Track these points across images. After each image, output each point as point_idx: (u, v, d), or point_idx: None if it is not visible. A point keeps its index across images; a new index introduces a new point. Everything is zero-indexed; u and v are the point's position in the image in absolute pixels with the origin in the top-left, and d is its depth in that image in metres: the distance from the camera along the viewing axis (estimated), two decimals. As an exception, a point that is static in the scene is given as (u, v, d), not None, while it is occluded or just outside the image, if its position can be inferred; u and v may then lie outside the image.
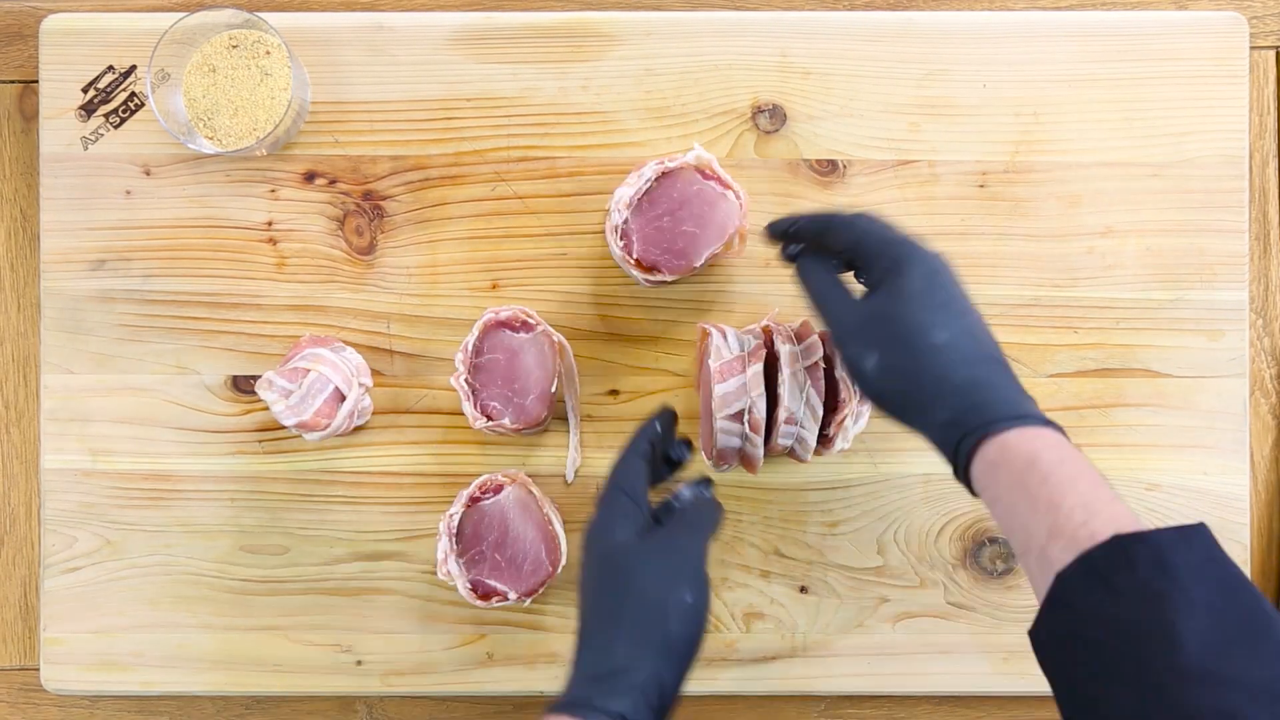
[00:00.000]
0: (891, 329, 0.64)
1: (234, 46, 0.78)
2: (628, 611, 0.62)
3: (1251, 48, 0.83)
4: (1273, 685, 0.50)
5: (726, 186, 0.76)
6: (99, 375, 0.81)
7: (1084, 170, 0.81)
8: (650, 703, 0.61)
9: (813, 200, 0.81)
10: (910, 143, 0.81)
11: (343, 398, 0.76)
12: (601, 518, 0.66)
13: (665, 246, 0.76)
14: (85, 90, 0.81)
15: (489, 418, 0.76)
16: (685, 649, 0.63)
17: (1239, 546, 0.80)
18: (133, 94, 0.81)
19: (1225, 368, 0.81)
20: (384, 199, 0.81)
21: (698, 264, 0.77)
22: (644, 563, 0.64)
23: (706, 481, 0.70)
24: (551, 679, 0.80)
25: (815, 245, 0.69)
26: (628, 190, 0.76)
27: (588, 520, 0.67)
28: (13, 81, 0.85)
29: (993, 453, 0.60)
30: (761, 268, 0.81)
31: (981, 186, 0.81)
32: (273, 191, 0.81)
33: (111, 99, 0.81)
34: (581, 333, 0.81)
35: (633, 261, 0.76)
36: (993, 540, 0.81)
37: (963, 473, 0.62)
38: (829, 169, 0.81)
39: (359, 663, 0.80)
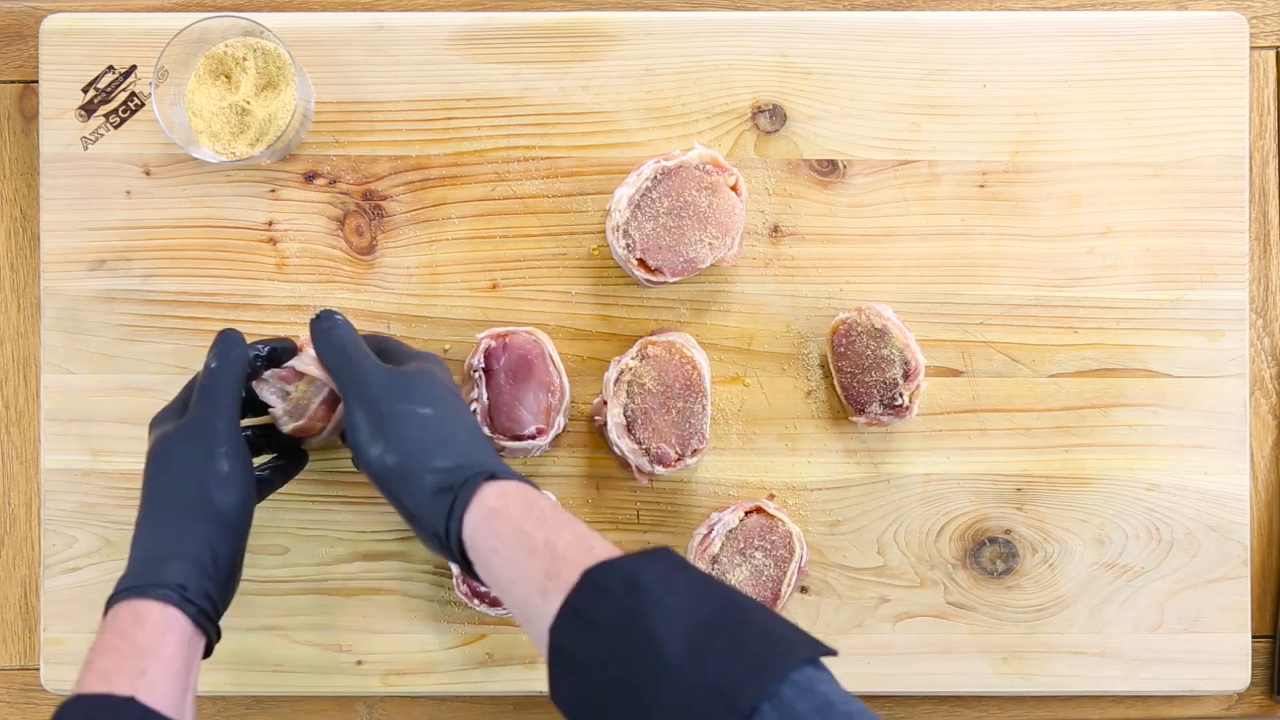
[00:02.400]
0: (396, 400, 0.65)
1: (238, 56, 0.78)
2: (169, 492, 0.65)
3: (1251, 48, 0.83)
4: (758, 661, 0.51)
5: (727, 174, 0.76)
6: (99, 375, 0.81)
7: (1084, 170, 0.81)
8: (205, 570, 0.64)
9: (813, 200, 0.81)
10: (910, 143, 0.81)
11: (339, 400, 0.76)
12: (157, 415, 0.70)
13: (668, 246, 0.76)
14: (85, 90, 0.81)
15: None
16: (234, 515, 0.65)
17: (1239, 546, 0.80)
18: (133, 94, 0.81)
19: (1225, 368, 0.81)
20: (384, 199, 0.81)
21: (703, 265, 0.77)
22: (178, 443, 0.66)
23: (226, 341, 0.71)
24: (551, 679, 0.80)
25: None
26: (628, 190, 0.76)
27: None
28: (13, 81, 0.85)
29: (492, 498, 0.61)
30: (762, 268, 0.81)
31: (981, 186, 0.81)
32: (273, 191, 0.81)
33: (111, 99, 0.81)
34: (581, 333, 0.81)
35: (635, 262, 0.76)
36: (993, 540, 0.81)
37: (456, 531, 0.62)
38: (829, 169, 0.81)
39: (359, 663, 0.80)
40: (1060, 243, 0.81)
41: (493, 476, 0.62)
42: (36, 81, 0.83)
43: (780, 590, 0.77)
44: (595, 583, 0.55)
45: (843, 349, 0.78)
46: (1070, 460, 0.81)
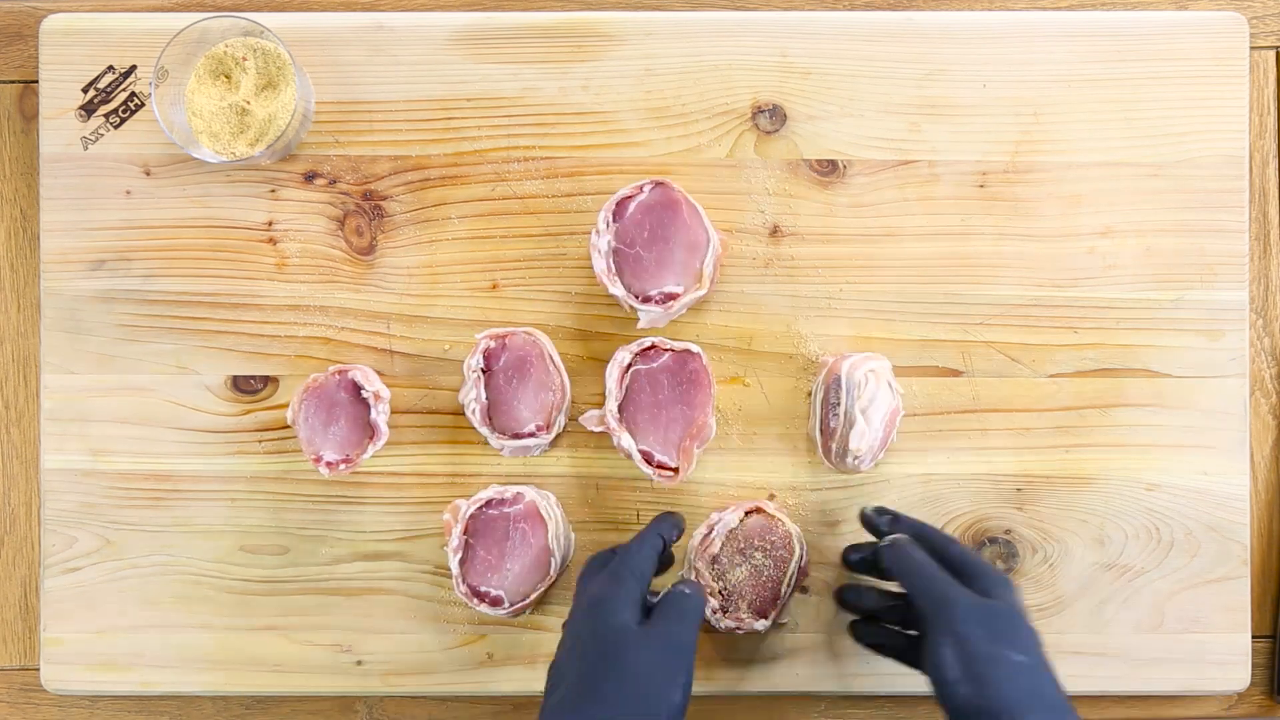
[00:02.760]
0: (991, 643, 0.63)
1: (238, 56, 0.78)
2: (621, 697, 0.61)
3: (1251, 48, 0.83)
4: None
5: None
6: (99, 375, 0.81)
7: (1084, 170, 0.81)
8: None
9: (813, 200, 0.81)
10: (910, 143, 0.81)
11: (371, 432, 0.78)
12: (608, 594, 0.66)
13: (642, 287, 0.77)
14: (85, 90, 0.81)
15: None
16: None
17: (1239, 546, 0.80)
18: (133, 94, 0.81)
19: (1225, 368, 0.81)
20: (384, 199, 0.81)
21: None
22: (643, 651, 0.63)
23: (690, 583, 0.70)
24: (551, 679, 0.80)
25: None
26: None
27: (589, 589, 0.67)
28: (13, 81, 0.85)
29: None
30: (762, 268, 0.81)
31: (981, 186, 0.81)
32: (273, 191, 0.81)
33: (111, 99, 0.81)
34: (581, 333, 0.81)
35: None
36: (993, 540, 0.81)
37: None
38: (829, 169, 0.81)
39: (359, 663, 0.80)
40: (1060, 243, 0.81)
41: None
42: (36, 81, 0.83)
43: (780, 590, 0.77)
44: None
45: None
46: (1070, 460, 0.81)
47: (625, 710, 0.61)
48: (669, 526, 0.73)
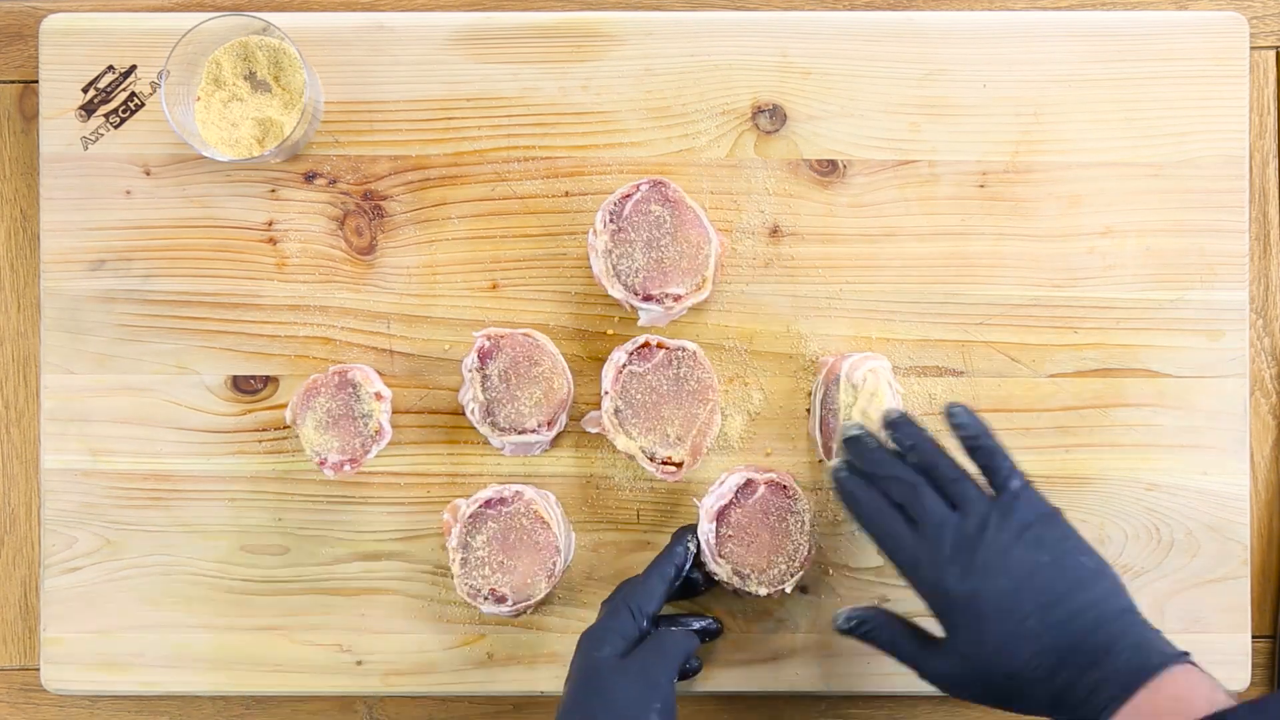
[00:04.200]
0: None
1: (246, 54, 0.78)
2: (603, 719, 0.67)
3: (1251, 48, 0.83)
4: None
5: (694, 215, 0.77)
6: (99, 375, 0.81)
7: (1084, 170, 0.81)
8: None
9: (813, 200, 0.81)
10: (910, 143, 0.81)
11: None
12: (598, 628, 0.72)
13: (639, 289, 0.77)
14: (85, 90, 0.81)
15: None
16: None
17: (1239, 546, 0.80)
18: (133, 94, 0.81)
19: (1225, 368, 0.81)
20: (384, 199, 0.81)
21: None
22: (620, 681, 0.68)
23: (711, 621, 0.78)
24: (552, 679, 0.80)
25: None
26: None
27: (596, 621, 0.73)
28: (13, 81, 0.85)
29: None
30: (762, 268, 0.81)
31: (981, 186, 0.81)
32: (273, 191, 0.81)
33: (111, 99, 0.81)
34: (581, 333, 0.81)
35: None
36: (993, 540, 0.81)
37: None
38: (829, 169, 0.81)
39: (359, 663, 0.80)
40: (1060, 243, 0.81)
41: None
42: (36, 81, 0.83)
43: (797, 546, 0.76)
44: None
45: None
46: (1070, 460, 0.81)
47: None
48: (679, 556, 0.75)
